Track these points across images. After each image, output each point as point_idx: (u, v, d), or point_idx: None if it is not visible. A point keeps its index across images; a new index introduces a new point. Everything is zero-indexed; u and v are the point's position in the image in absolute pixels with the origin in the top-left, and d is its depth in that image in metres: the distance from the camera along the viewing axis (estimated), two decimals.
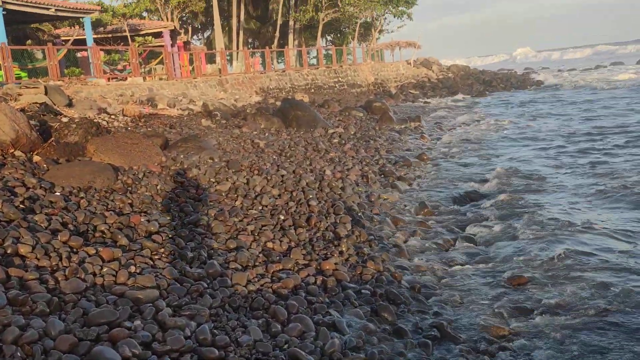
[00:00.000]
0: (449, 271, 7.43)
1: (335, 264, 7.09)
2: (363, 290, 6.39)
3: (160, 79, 26.49)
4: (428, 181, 12.67)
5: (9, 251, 5.80)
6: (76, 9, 25.70)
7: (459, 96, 39.69)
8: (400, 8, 50.98)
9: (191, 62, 32.22)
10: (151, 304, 5.22)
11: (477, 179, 12.26)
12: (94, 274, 5.79)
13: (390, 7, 49.94)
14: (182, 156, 11.78)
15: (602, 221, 8.92)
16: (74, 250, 6.31)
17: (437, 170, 13.91)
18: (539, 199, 10.50)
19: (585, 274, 6.88)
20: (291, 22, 46.36)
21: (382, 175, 12.38)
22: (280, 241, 7.75)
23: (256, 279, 6.45)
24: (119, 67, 29.68)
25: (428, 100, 35.96)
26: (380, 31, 56.03)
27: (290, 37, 46.61)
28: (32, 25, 30.55)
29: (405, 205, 10.60)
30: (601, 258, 7.37)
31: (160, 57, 29.43)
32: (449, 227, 9.26)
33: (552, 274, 7.00)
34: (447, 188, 11.89)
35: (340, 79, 39.76)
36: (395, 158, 14.44)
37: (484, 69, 66.93)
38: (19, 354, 4.06)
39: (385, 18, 54.11)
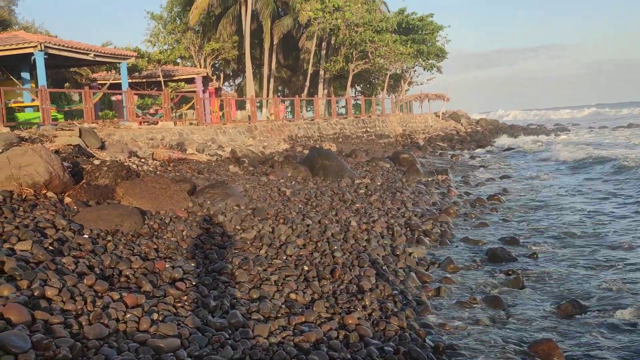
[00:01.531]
0: (474, 331, 7.31)
1: (358, 318, 7.02)
2: (386, 348, 6.30)
3: (191, 123, 26.94)
4: (455, 237, 12.56)
5: (36, 293, 5.88)
6: (114, 54, 26.44)
7: (488, 148, 39.69)
8: (430, 61, 51.51)
9: (221, 108, 32.78)
10: (172, 354, 5.21)
11: (506, 237, 12.11)
12: (117, 320, 5.82)
13: (420, 59, 50.50)
14: (209, 202, 11.89)
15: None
16: (99, 294, 6.36)
17: (464, 225, 13.81)
18: (567, 255, 10.35)
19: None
20: (321, 72, 47.06)
21: (408, 229, 12.31)
22: (304, 292, 7.71)
23: (278, 331, 6.40)
24: (151, 111, 30.29)
25: (456, 153, 35.96)
26: (410, 83, 56.53)
27: (320, 86, 47.25)
28: (70, 69, 31.44)
29: (431, 261, 10.51)
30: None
31: (192, 103, 29.99)
32: (475, 286, 9.13)
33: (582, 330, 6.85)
34: (475, 245, 11.77)
35: (368, 129, 40.04)
36: (421, 211, 14.37)
37: (514, 124, 66.90)
38: None
39: (415, 70, 54.68)
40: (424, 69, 52.86)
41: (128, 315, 5.91)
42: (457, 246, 11.83)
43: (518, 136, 50.75)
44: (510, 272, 9.54)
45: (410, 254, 10.53)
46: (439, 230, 12.73)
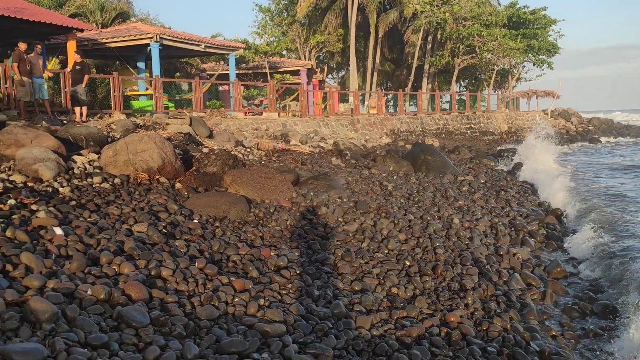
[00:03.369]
0: (583, 340, 7.04)
1: (460, 316, 6.93)
2: (489, 348, 6.20)
3: (294, 115, 27.38)
4: (562, 240, 12.11)
5: (152, 273, 6.21)
6: (223, 46, 27.27)
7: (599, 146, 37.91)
8: (540, 57, 49.63)
9: (324, 100, 33.10)
10: (278, 339, 5.36)
11: (620, 243, 11.49)
12: (227, 303, 6.05)
13: (530, 55, 48.76)
14: (312, 193, 12.07)
15: None
16: (209, 277, 6.64)
17: (573, 227, 13.26)
18: None
19: None
20: (426, 66, 46.47)
21: (513, 229, 11.99)
22: (405, 287, 7.70)
23: (380, 324, 6.44)
24: (256, 101, 31.02)
25: (566, 151, 34.58)
26: (518, 79, 54.78)
27: (424, 80, 46.68)
28: (182, 59, 32.74)
29: (536, 263, 10.19)
30: None
31: (296, 94, 30.47)
32: (584, 292, 8.76)
33: None
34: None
35: (472, 125, 39.22)
36: (527, 211, 13.93)
37: (630, 124, 63.36)
38: None
39: (524, 66, 52.88)
40: (534, 65, 50.94)
41: (236, 299, 6.13)
42: (564, 250, 11.41)
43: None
44: None
45: (514, 255, 10.26)
46: (545, 232, 12.31)
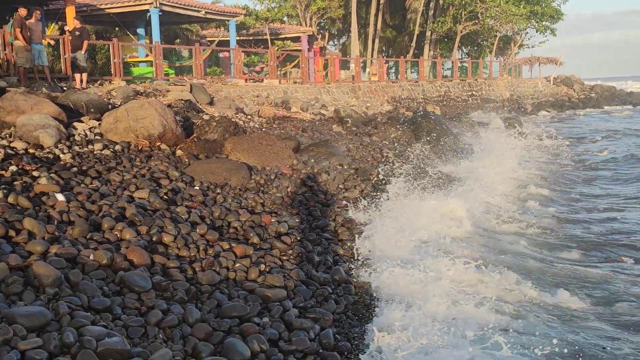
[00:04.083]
0: None
1: None
2: None
3: (295, 82, 27.23)
4: None
5: (154, 239, 6.27)
6: (224, 12, 27.03)
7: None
8: (544, 23, 49.09)
9: (325, 67, 32.91)
10: (279, 303, 5.44)
11: None
12: (228, 268, 6.11)
13: (533, 21, 48.22)
14: (312, 160, 12.08)
15: None
16: (210, 243, 6.69)
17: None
18: None
19: None
20: (428, 33, 46.02)
21: None
22: None
23: None
24: (257, 68, 30.82)
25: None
26: (520, 46, 54.26)
27: (426, 47, 46.29)
28: (182, 26, 32.46)
29: None
30: None
31: (297, 61, 30.26)
32: None
33: None
34: None
35: (474, 92, 39.02)
36: None
37: (633, 91, 62.91)
38: (160, 336, 4.38)
39: (527, 32, 52.33)
40: (537, 32, 50.50)
41: (237, 265, 6.19)
42: None
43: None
44: None
45: None
46: None
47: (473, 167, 14.02)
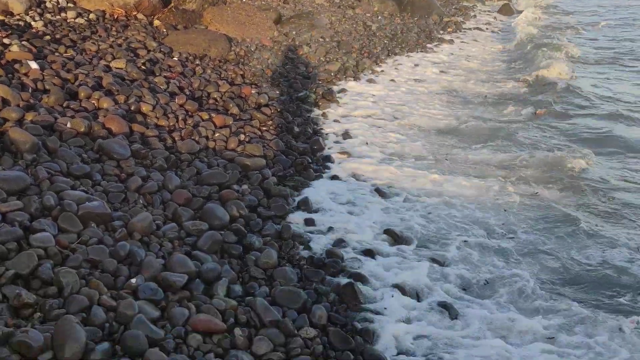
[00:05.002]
0: None
1: None
2: None
3: None
4: None
5: (132, 108, 6.19)
6: None
7: None
8: None
9: None
10: (258, 172, 5.50)
11: None
12: (207, 138, 6.12)
13: None
14: (294, 32, 11.81)
15: None
16: (189, 113, 6.65)
17: None
18: None
19: None
20: None
21: None
22: None
23: None
24: None
25: None
26: None
27: None
28: None
29: None
30: None
31: None
32: None
33: None
34: None
35: None
36: None
37: None
38: (141, 201, 4.45)
39: None
40: None
41: (217, 135, 6.19)
42: None
43: None
44: None
45: None
46: None
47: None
